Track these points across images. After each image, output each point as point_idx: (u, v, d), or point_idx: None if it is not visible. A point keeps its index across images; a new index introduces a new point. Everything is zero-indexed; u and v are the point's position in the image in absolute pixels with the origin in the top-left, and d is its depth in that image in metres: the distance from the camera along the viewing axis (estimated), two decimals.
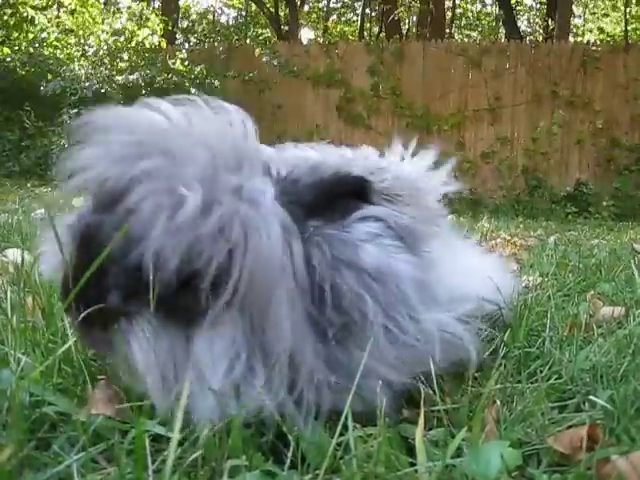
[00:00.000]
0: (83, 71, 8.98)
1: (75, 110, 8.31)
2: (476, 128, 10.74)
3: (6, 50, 9.69)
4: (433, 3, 14.65)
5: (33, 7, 10.65)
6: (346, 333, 0.80)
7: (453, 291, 0.93)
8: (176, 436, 0.53)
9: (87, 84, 8.57)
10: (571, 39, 13.13)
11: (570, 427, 0.86)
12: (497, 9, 18.90)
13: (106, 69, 9.06)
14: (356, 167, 0.89)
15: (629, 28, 17.95)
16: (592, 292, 1.91)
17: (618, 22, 20.42)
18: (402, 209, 0.90)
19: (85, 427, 0.73)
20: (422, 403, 0.81)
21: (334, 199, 0.84)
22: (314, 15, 22.05)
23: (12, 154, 9.43)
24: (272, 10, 17.58)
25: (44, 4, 10.88)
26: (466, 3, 22.39)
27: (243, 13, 21.34)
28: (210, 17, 21.19)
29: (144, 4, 11.44)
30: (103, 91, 8.52)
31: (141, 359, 0.74)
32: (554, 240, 3.80)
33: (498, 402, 0.89)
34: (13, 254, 1.78)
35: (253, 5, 19.00)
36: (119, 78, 8.93)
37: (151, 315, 0.74)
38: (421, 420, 0.72)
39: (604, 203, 8.75)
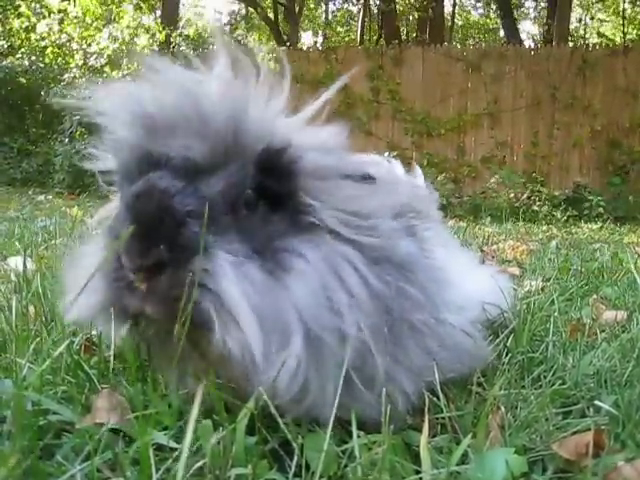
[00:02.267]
0: (84, 79, 9.01)
1: (76, 118, 8.33)
2: (476, 132, 10.75)
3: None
4: (432, 8, 14.69)
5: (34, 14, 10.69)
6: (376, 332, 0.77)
7: (464, 296, 0.93)
8: (186, 448, 0.53)
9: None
10: (570, 43, 13.14)
11: (575, 433, 0.86)
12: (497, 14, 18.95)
13: (107, 76, 9.09)
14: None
15: (627, 31, 18.01)
16: (595, 296, 1.90)
17: (617, 27, 20.48)
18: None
19: (89, 436, 0.73)
20: (426, 410, 0.80)
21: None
22: (313, 22, 22.13)
23: (14, 162, 9.45)
24: (271, 16, 17.63)
25: (47, 12, 10.93)
26: (463, 11, 22.46)
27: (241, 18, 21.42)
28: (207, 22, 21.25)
29: (145, 10, 11.48)
30: None
31: (238, 294, 0.69)
32: (556, 244, 3.80)
33: (503, 408, 0.88)
34: (15, 262, 1.78)
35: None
36: None
37: (236, 243, 0.72)
38: (425, 427, 0.72)
39: (604, 206, 8.74)
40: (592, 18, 20.85)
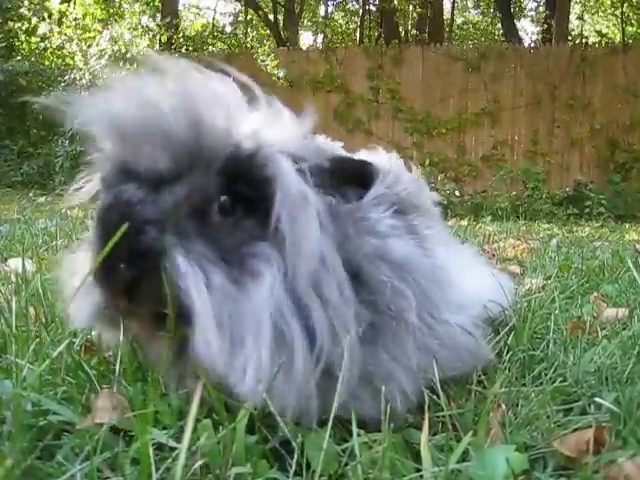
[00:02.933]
0: (84, 80, 9.02)
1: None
2: (476, 131, 10.75)
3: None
4: (431, 7, 14.69)
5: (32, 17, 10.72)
6: (374, 332, 0.77)
7: (465, 294, 0.93)
8: (185, 446, 0.53)
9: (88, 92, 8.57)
10: (570, 42, 13.13)
11: (576, 430, 0.85)
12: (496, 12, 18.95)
13: (107, 78, 9.08)
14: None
15: (626, 30, 18.01)
16: (595, 294, 1.90)
17: (615, 25, 20.48)
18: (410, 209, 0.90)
19: (89, 436, 0.73)
20: (427, 408, 0.80)
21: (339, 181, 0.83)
22: (313, 22, 22.13)
23: (14, 164, 9.47)
24: (271, 16, 17.64)
25: (47, 14, 10.95)
26: (463, 11, 22.45)
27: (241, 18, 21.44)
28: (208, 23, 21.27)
29: (145, 11, 11.49)
30: None
31: (196, 296, 0.70)
32: (556, 242, 3.79)
33: (503, 406, 0.88)
34: (16, 264, 1.78)
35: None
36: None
37: (200, 246, 0.73)
38: (426, 425, 0.72)
39: (605, 204, 8.74)
40: (594, 13, 20.85)
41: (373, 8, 18.63)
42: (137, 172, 0.74)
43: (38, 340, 1.00)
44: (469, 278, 1.00)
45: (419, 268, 0.82)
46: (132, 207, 0.72)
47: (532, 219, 7.89)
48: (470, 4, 22.32)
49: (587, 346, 1.24)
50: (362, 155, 0.99)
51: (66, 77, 9.20)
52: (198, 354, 0.70)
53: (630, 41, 13.68)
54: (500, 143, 10.67)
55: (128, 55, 9.94)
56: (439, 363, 0.83)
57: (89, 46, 9.93)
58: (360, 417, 0.76)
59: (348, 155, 0.89)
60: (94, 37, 10.19)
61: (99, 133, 0.78)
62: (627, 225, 7.35)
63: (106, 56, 9.53)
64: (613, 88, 10.17)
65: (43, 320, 1.26)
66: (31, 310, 1.32)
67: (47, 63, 10.40)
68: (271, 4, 17.82)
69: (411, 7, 16.29)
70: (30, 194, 7.52)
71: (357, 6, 19.98)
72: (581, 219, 8.41)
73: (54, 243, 2.56)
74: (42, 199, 6.72)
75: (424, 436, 0.70)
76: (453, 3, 20.02)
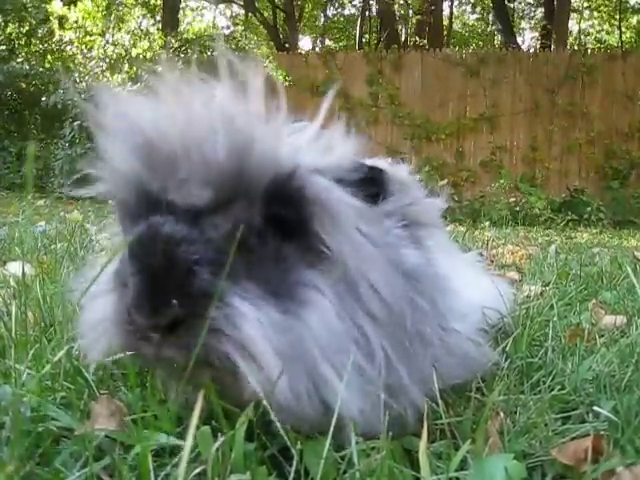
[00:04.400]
0: (84, 83, 9.04)
1: (77, 122, 8.35)
2: (475, 137, 10.79)
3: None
4: (431, 13, 14.75)
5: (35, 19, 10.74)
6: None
7: (467, 303, 0.93)
8: (188, 446, 0.53)
9: (88, 96, 8.59)
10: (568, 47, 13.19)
11: (574, 438, 0.86)
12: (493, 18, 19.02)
13: (107, 81, 9.11)
14: None
15: (624, 37, 18.08)
16: (594, 301, 1.90)
17: (611, 32, 20.58)
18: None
19: (88, 442, 0.73)
20: (425, 416, 0.80)
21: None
22: (312, 28, 22.19)
23: (13, 166, 9.47)
24: (270, 21, 17.69)
25: (45, 16, 10.97)
26: (461, 15, 22.53)
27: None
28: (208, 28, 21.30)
29: (146, 15, 11.52)
30: None
31: (259, 337, 0.67)
32: (555, 248, 3.80)
33: (502, 414, 0.88)
34: (15, 267, 1.78)
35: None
36: (119, 89, 8.98)
37: (251, 285, 0.69)
38: (425, 433, 0.72)
39: (603, 211, 8.76)
40: (594, 14, 20.91)
41: (373, 13, 18.67)
42: (170, 201, 0.69)
43: (38, 345, 1.00)
44: (470, 286, 1.00)
45: (427, 278, 0.82)
46: (176, 244, 0.68)
47: (531, 225, 7.90)
48: (469, 9, 22.40)
49: (585, 354, 1.25)
50: (372, 162, 0.98)
51: (66, 80, 9.20)
52: (258, 393, 0.67)
53: (627, 47, 13.72)
54: (499, 149, 10.70)
55: (128, 58, 9.97)
56: (447, 373, 0.82)
57: (90, 49, 9.95)
58: (363, 430, 0.75)
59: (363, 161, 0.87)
60: (95, 40, 10.21)
61: (122, 149, 0.71)
62: (625, 231, 7.36)
63: (106, 59, 9.55)
64: (612, 94, 10.21)
65: (42, 325, 1.26)
66: (30, 315, 1.32)
67: (47, 66, 10.41)
68: (271, 8, 17.87)
69: (410, 12, 16.35)
70: (29, 197, 7.51)
71: (356, 12, 20.04)
72: (579, 225, 8.42)
73: (53, 247, 2.56)
74: (41, 202, 6.72)
75: (423, 444, 0.70)
76: (451, 9, 20.10)
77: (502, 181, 9.52)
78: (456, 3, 21.11)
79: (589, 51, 11.27)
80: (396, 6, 14.56)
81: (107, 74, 9.29)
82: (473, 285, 1.03)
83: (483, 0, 20.84)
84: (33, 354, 0.97)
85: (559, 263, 2.84)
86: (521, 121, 10.67)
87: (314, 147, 0.75)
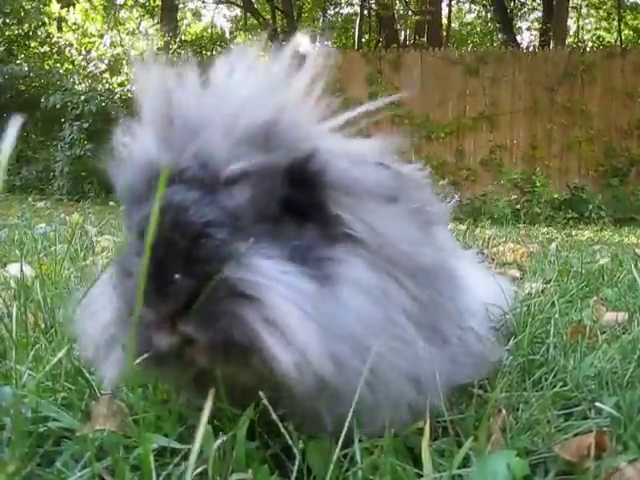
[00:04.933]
0: (83, 85, 9.04)
1: (77, 124, 8.36)
2: (475, 135, 10.78)
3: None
4: (430, 12, 14.75)
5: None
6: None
7: (476, 300, 0.92)
8: (195, 451, 0.53)
9: (89, 96, 8.60)
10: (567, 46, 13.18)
11: (576, 435, 0.85)
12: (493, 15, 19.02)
13: (106, 82, 9.12)
14: None
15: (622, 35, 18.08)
16: (595, 298, 1.90)
17: (609, 30, 20.58)
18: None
19: (89, 442, 0.73)
20: (428, 413, 0.80)
21: None
22: (311, 27, 22.19)
23: (13, 168, 9.47)
24: (269, 21, 17.70)
25: (46, 18, 10.98)
26: (461, 11, 22.52)
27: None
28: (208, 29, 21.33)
29: (144, 16, 11.52)
30: (104, 105, 8.57)
31: (290, 304, 0.60)
32: (556, 246, 3.80)
33: (504, 411, 0.88)
34: (15, 269, 1.78)
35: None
36: (118, 90, 8.99)
37: (275, 250, 0.63)
38: (427, 430, 0.72)
39: (603, 208, 8.76)
40: (592, 12, 20.90)
41: (373, 14, 18.68)
42: (183, 173, 0.64)
43: (38, 346, 1.00)
44: (477, 284, 1.00)
45: (445, 277, 0.80)
46: (185, 211, 0.61)
47: (531, 223, 7.90)
48: (467, 8, 22.39)
49: (587, 350, 1.24)
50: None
51: (65, 82, 9.21)
52: (286, 370, 0.60)
53: (627, 45, 13.71)
54: (499, 147, 10.69)
55: (127, 60, 9.98)
56: (463, 372, 0.82)
57: (89, 51, 9.96)
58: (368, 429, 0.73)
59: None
60: (94, 42, 10.22)
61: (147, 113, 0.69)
62: (626, 229, 7.36)
63: (106, 60, 9.56)
64: (611, 92, 10.20)
65: (42, 326, 1.26)
66: (30, 316, 1.32)
67: (46, 67, 10.42)
68: (270, 9, 17.88)
69: (410, 12, 16.35)
70: (29, 199, 7.52)
71: (354, 12, 20.04)
72: (580, 223, 8.42)
73: (53, 248, 2.56)
74: (41, 204, 6.72)
75: (425, 441, 0.70)
76: (450, 7, 20.10)
77: (503, 181, 9.52)
78: (454, 2, 21.11)
79: (588, 49, 11.26)
80: (396, 6, 14.56)
81: (106, 75, 9.29)
82: (481, 283, 1.02)
83: None
84: (34, 355, 0.97)
85: (560, 260, 2.84)
86: (521, 119, 10.66)
87: (340, 137, 0.74)
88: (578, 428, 0.87)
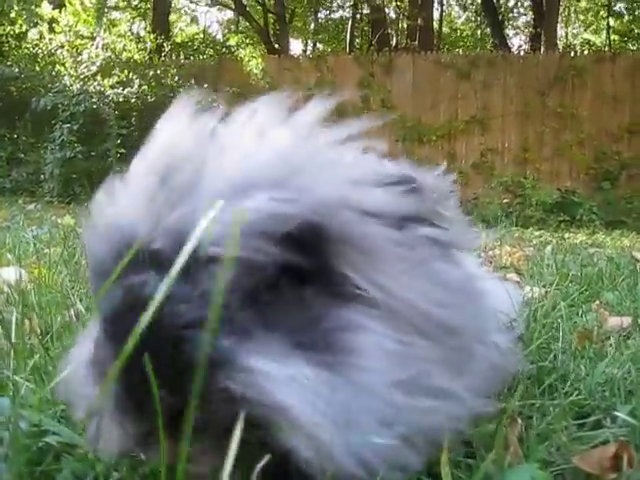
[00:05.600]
0: (75, 87, 8.96)
1: (67, 126, 8.28)
2: (467, 139, 10.82)
3: None
4: (421, 16, 14.81)
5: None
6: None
7: (496, 312, 0.89)
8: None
9: (80, 98, 8.53)
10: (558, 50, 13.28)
11: (594, 446, 0.83)
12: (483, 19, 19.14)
13: (98, 84, 9.05)
14: None
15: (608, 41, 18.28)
16: (597, 302, 1.88)
17: (597, 32, 20.80)
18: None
19: (96, 458, 0.69)
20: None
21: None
22: (303, 31, 22.21)
23: (3, 170, 9.38)
24: (261, 24, 17.67)
25: (38, 19, 10.90)
26: (450, 15, 22.65)
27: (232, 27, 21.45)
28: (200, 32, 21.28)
29: (135, 18, 11.47)
30: (95, 107, 8.50)
31: (297, 404, 0.53)
32: (551, 249, 3.79)
33: (519, 420, 0.85)
34: (8, 273, 1.73)
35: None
36: (110, 92, 8.92)
37: (270, 341, 0.56)
38: (446, 443, 0.69)
39: (595, 212, 8.81)
40: (580, 17, 21.10)
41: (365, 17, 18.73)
42: (156, 252, 0.55)
43: (38, 356, 0.96)
44: (494, 294, 0.97)
45: (459, 283, 0.74)
46: (159, 309, 0.51)
47: (524, 226, 7.92)
48: (457, 10, 22.52)
49: (595, 357, 1.22)
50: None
51: (57, 84, 9.13)
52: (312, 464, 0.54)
53: (616, 50, 13.84)
54: (490, 150, 10.73)
55: (118, 62, 9.92)
56: (487, 387, 0.78)
57: (80, 53, 9.89)
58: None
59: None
60: (85, 44, 10.15)
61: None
62: (617, 232, 7.39)
63: (97, 63, 9.49)
64: (601, 96, 10.28)
65: (38, 331, 1.22)
66: (26, 322, 1.28)
67: (37, 69, 10.33)
68: (262, 12, 17.87)
69: (402, 16, 16.40)
70: (19, 201, 7.43)
71: (345, 16, 20.09)
72: (572, 226, 8.45)
73: (46, 252, 2.51)
74: (31, 206, 6.64)
75: (445, 456, 0.67)
76: (441, 11, 20.19)
77: (494, 184, 9.55)
78: (445, 6, 21.21)
79: (578, 53, 11.35)
80: (387, 10, 14.61)
81: (98, 78, 9.22)
82: (498, 293, 1.00)
83: (472, 2, 20.97)
84: (33, 365, 0.93)
85: (558, 264, 2.83)
86: (512, 123, 10.71)
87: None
88: (595, 439, 0.85)
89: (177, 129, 0.63)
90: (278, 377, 0.53)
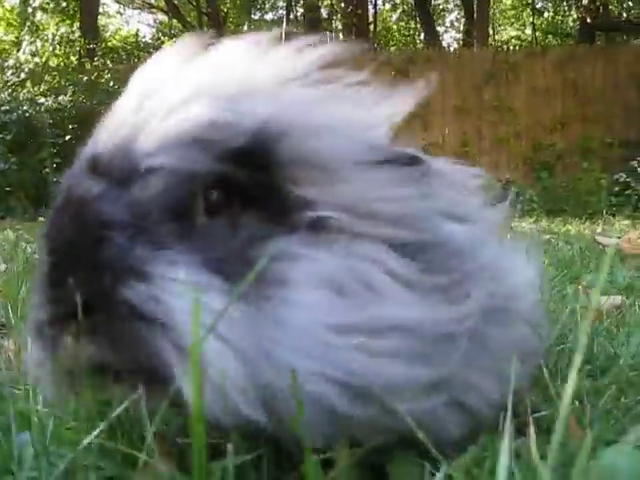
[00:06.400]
0: (3, 95, 8.47)
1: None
2: (407, 135, 11.00)
3: None
4: (356, 15, 14.96)
5: None
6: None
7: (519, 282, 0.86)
8: None
9: (12, 106, 8.06)
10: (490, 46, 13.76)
11: None
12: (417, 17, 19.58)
13: (28, 92, 8.58)
14: None
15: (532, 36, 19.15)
16: (581, 283, 1.93)
17: (521, 29, 21.77)
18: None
19: None
20: (509, 414, 0.74)
21: None
22: (238, 32, 21.98)
23: None
24: (196, 26, 17.36)
25: None
26: (386, 12, 23.05)
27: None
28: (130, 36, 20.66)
29: (64, 21, 10.99)
30: (27, 115, 8.05)
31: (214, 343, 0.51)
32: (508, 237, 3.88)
33: (576, 403, 0.83)
34: None
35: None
36: (43, 100, 8.48)
37: (188, 255, 0.54)
38: (532, 432, 0.65)
39: (535, 200, 9.16)
40: (505, 14, 21.98)
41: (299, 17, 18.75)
42: (97, 158, 0.58)
43: None
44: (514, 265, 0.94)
45: (482, 254, 0.71)
46: (87, 206, 0.54)
47: None
48: (389, 8, 22.94)
49: (606, 333, 1.24)
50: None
51: None
52: (213, 405, 0.51)
53: (543, 45, 14.48)
54: (431, 145, 10.96)
55: (47, 68, 9.46)
56: (524, 371, 0.75)
57: (5, 59, 9.35)
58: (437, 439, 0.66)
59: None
60: (10, 50, 9.61)
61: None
62: (558, 219, 7.71)
63: (25, 69, 9.00)
64: (534, 90, 10.71)
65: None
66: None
67: None
68: (196, 13, 17.56)
69: (335, 16, 16.52)
70: None
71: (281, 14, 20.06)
72: (514, 215, 8.75)
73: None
74: None
75: (552, 451, 0.63)
76: (375, 9, 20.49)
77: None
78: (379, 3, 21.55)
79: (511, 49, 11.78)
80: (322, 9, 14.68)
81: (28, 85, 8.74)
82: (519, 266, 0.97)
83: (402, 1, 21.43)
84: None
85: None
86: (451, 118, 10.98)
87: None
88: None
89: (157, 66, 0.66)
90: (182, 304, 0.50)
